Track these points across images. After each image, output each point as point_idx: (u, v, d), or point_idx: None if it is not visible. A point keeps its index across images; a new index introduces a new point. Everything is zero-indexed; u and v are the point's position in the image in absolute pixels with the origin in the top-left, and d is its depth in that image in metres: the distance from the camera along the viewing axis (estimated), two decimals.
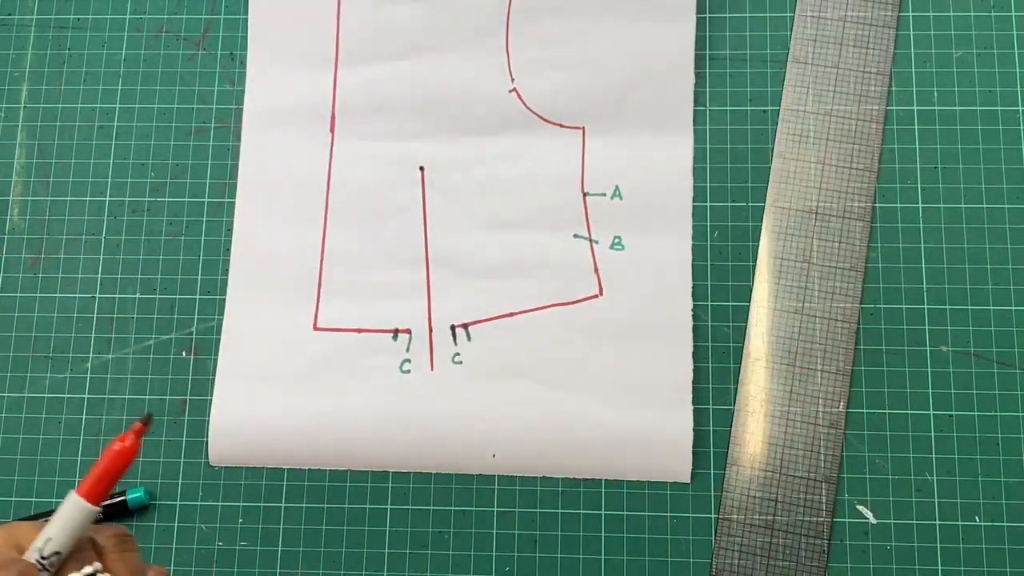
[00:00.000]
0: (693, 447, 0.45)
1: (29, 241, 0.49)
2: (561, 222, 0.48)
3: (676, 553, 0.44)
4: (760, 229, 0.47)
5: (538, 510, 0.45)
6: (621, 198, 0.48)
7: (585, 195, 0.48)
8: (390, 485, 0.46)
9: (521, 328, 0.46)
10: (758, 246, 0.47)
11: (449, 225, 0.48)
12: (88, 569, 0.29)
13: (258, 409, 0.46)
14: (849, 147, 0.47)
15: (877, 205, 0.47)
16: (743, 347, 0.46)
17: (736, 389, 0.45)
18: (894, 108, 0.48)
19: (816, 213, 0.47)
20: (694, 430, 0.45)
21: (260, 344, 0.47)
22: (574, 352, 0.46)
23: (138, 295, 0.48)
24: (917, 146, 0.48)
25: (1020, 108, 0.48)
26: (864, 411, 0.45)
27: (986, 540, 0.43)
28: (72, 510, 0.29)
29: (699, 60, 0.49)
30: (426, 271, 0.48)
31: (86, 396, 0.47)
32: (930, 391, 0.45)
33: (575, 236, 0.47)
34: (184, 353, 0.47)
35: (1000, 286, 0.46)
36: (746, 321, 0.46)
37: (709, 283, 0.47)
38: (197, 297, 0.48)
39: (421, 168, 0.49)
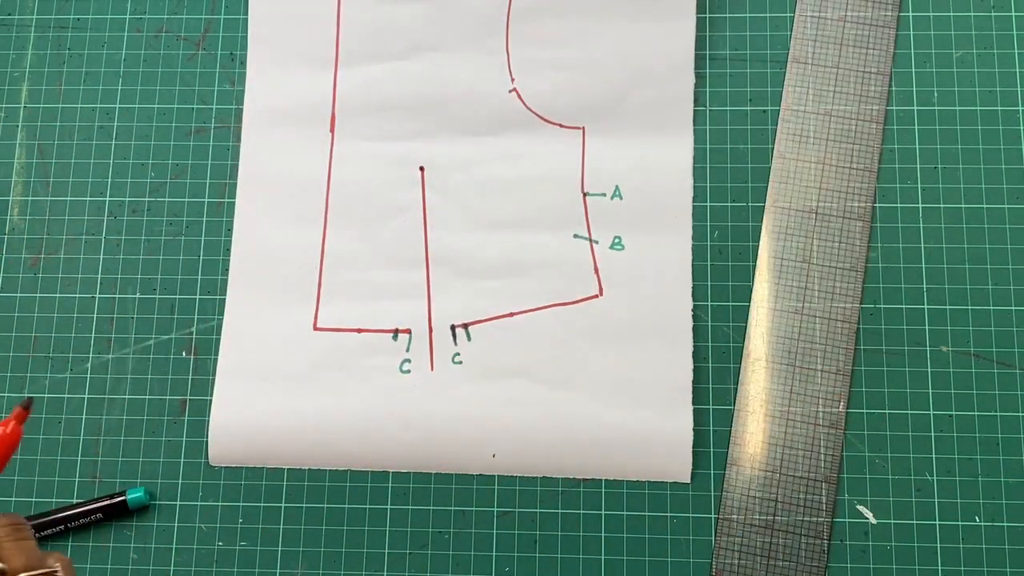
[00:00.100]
0: (693, 447, 0.45)
1: (29, 241, 0.49)
2: (561, 222, 0.48)
3: (676, 553, 0.44)
4: (760, 229, 0.47)
5: (538, 510, 0.45)
6: (621, 198, 0.48)
7: (585, 195, 0.48)
8: (390, 485, 0.46)
9: (521, 328, 0.46)
10: (758, 246, 0.47)
11: (449, 225, 0.48)
12: None
13: (258, 409, 0.46)
14: (849, 147, 0.47)
15: (877, 205, 0.47)
16: (743, 347, 0.46)
17: (736, 389, 0.45)
18: (894, 108, 0.48)
19: (816, 213, 0.47)
20: (694, 430, 0.45)
21: (260, 344, 0.47)
22: (574, 352, 0.46)
23: (138, 295, 0.48)
24: (917, 146, 0.48)
25: (1020, 108, 0.48)
26: (864, 411, 0.45)
27: (986, 540, 0.43)
28: None
29: (699, 60, 0.49)
30: (426, 271, 0.48)
31: (86, 396, 0.47)
32: (930, 391, 0.45)
33: (575, 236, 0.47)
34: (184, 353, 0.47)
35: (1000, 286, 0.46)
36: (746, 321, 0.46)
37: (709, 283, 0.47)
38: (197, 297, 0.48)
39: (421, 168, 0.49)
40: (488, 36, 0.49)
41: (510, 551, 0.44)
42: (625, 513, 0.45)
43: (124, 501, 0.45)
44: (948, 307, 0.46)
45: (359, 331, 0.47)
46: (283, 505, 0.46)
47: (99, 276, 0.49)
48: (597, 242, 0.47)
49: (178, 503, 0.46)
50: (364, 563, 0.45)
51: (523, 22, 0.49)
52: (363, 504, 0.45)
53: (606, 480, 0.45)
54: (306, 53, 0.50)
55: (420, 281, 0.48)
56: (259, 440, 0.46)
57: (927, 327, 0.46)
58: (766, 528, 0.44)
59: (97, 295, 0.48)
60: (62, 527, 0.45)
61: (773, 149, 0.48)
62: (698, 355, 0.46)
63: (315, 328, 0.47)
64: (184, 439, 0.46)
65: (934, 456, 0.44)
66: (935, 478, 0.44)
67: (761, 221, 0.47)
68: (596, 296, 0.47)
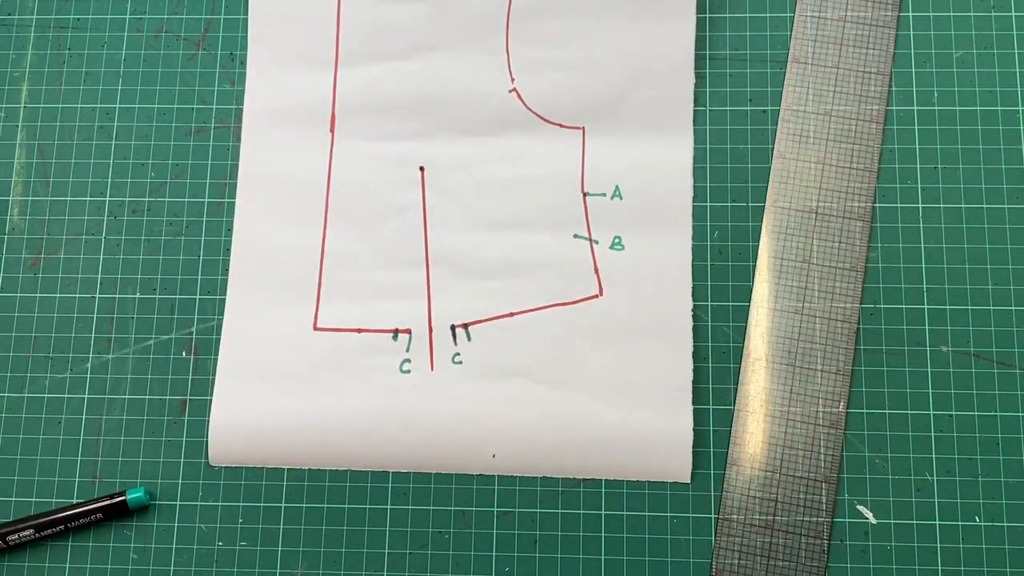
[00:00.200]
0: (693, 447, 0.45)
1: (29, 241, 0.49)
2: (561, 222, 0.48)
3: (676, 553, 0.44)
4: (760, 229, 0.47)
5: (538, 510, 0.45)
6: (621, 198, 0.48)
7: (585, 195, 0.48)
8: (390, 485, 0.46)
9: (521, 328, 0.46)
10: (758, 246, 0.47)
11: (449, 225, 0.48)
12: None
13: (258, 409, 0.46)
14: (849, 147, 0.47)
15: (877, 205, 0.47)
16: (743, 347, 0.46)
17: (736, 389, 0.45)
18: (894, 108, 0.48)
19: (816, 213, 0.47)
20: (694, 430, 0.45)
21: (260, 344, 0.47)
22: (574, 352, 0.46)
23: (138, 295, 0.48)
24: (917, 146, 0.48)
25: (1020, 108, 0.48)
26: (864, 411, 0.45)
27: (986, 540, 0.43)
28: None
29: (699, 60, 0.49)
30: (426, 271, 0.48)
31: (86, 396, 0.47)
32: (930, 391, 0.45)
33: (575, 236, 0.47)
34: (184, 353, 0.47)
35: (1000, 286, 0.46)
36: (746, 321, 0.46)
37: (709, 283, 0.47)
38: (197, 297, 0.48)
39: (421, 168, 0.49)
40: (488, 36, 0.49)
41: (510, 551, 0.44)
42: (625, 513, 0.45)
43: (124, 501, 0.45)
44: (948, 307, 0.46)
45: (359, 331, 0.47)
46: (283, 505, 0.46)
47: (99, 276, 0.49)
48: (597, 242, 0.47)
49: (178, 503, 0.46)
50: (364, 563, 0.45)
51: (523, 22, 0.49)
52: (363, 504, 0.45)
53: (606, 480, 0.45)
54: (306, 53, 0.50)
55: (420, 281, 0.48)
56: (259, 440, 0.46)
57: (927, 327, 0.46)
58: (766, 528, 0.44)
59: (97, 295, 0.48)
60: (62, 527, 0.45)
61: (773, 149, 0.48)
62: (698, 355, 0.46)
63: (315, 328, 0.47)
64: (184, 439, 0.46)
65: (934, 456, 0.44)
66: (935, 478, 0.44)
67: (761, 221, 0.47)
68: (596, 296, 0.47)
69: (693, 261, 0.47)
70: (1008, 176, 0.47)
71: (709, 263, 0.47)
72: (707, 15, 0.50)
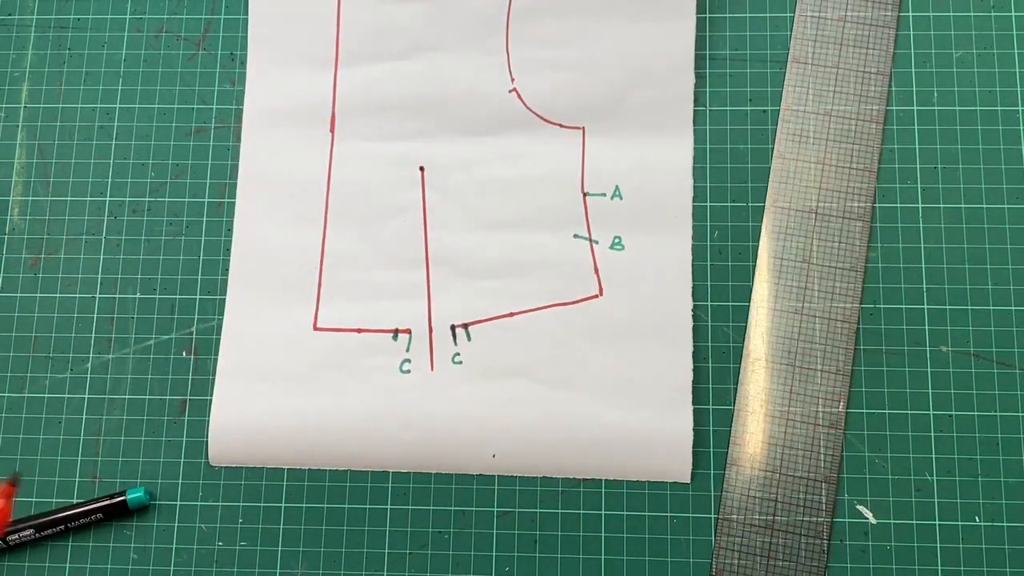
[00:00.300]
0: (693, 447, 0.45)
1: (29, 241, 0.49)
2: (561, 222, 0.48)
3: (676, 553, 0.44)
4: (760, 229, 0.47)
5: (538, 510, 0.45)
6: (621, 198, 0.48)
7: (585, 195, 0.48)
8: (390, 485, 0.46)
9: (521, 328, 0.46)
10: (758, 246, 0.47)
11: (449, 225, 0.48)
12: None
13: (258, 409, 0.46)
14: (849, 147, 0.47)
15: (877, 205, 0.47)
16: (743, 347, 0.46)
17: (736, 389, 0.45)
18: (894, 108, 0.48)
19: (816, 213, 0.47)
20: (694, 430, 0.45)
21: (260, 344, 0.47)
22: (574, 352, 0.46)
23: (138, 295, 0.48)
24: (917, 146, 0.48)
25: (1020, 108, 0.48)
26: (864, 411, 0.45)
27: (986, 540, 0.43)
28: None
29: (699, 60, 0.49)
30: (426, 271, 0.48)
31: (86, 396, 0.47)
32: (930, 391, 0.45)
33: (575, 236, 0.47)
34: (184, 353, 0.47)
35: (1000, 286, 0.46)
36: (746, 321, 0.46)
37: (709, 283, 0.47)
38: (197, 297, 0.48)
39: (421, 168, 0.49)
40: (488, 36, 0.49)
41: (510, 551, 0.44)
42: (625, 513, 0.45)
43: (124, 501, 0.45)
44: (948, 307, 0.46)
45: (359, 331, 0.47)
46: (283, 505, 0.46)
47: (99, 276, 0.49)
48: (597, 242, 0.47)
49: (178, 503, 0.46)
50: (364, 563, 0.45)
51: (523, 22, 0.49)
52: (363, 504, 0.45)
53: (606, 480, 0.45)
54: (306, 53, 0.50)
55: (420, 281, 0.48)
56: (259, 440, 0.46)
57: (927, 327, 0.46)
58: (766, 528, 0.44)
59: (97, 295, 0.48)
60: (62, 527, 0.45)
61: (773, 149, 0.48)
62: (698, 355, 0.46)
63: (315, 328, 0.47)
64: (184, 439, 0.46)
65: (934, 456, 0.44)
66: (935, 478, 0.44)
67: (761, 221, 0.47)
68: (596, 296, 0.47)
69: (693, 261, 0.47)
70: (1008, 176, 0.47)
71: (709, 263, 0.47)
72: (707, 15, 0.50)
